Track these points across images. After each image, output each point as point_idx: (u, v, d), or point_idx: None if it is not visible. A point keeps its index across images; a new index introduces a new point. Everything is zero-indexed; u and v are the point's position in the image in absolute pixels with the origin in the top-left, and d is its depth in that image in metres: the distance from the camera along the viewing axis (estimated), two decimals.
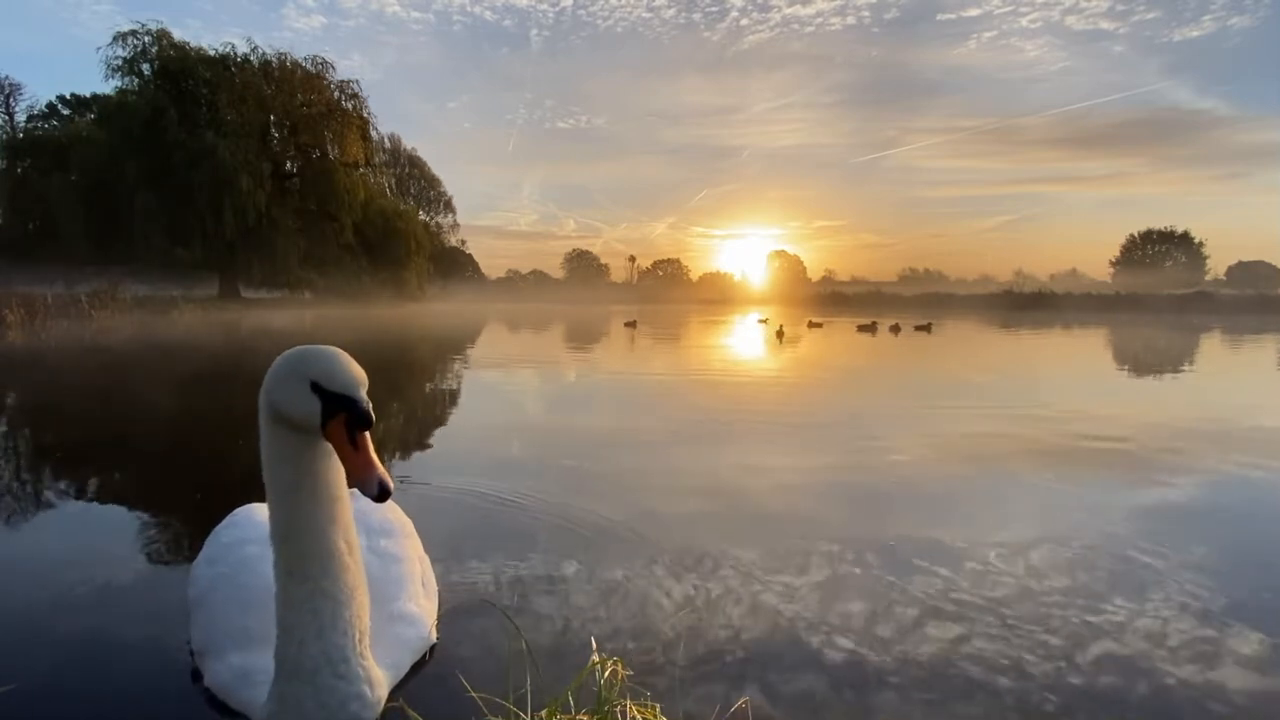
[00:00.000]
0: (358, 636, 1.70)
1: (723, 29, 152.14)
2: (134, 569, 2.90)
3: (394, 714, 1.76)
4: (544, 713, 1.64)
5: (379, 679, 1.76)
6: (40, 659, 2.14)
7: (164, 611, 2.35)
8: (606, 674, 1.71)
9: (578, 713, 1.63)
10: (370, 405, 1.57)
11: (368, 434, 1.56)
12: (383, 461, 1.57)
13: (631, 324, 26.43)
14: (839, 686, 2.02)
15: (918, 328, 24.83)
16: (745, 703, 1.85)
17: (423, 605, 2.17)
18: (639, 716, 1.65)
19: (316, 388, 1.56)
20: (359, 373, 1.60)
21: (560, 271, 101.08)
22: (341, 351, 1.63)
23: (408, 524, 2.44)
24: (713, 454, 5.20)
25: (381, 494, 1.50)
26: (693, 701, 1.91)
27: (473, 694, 1.72)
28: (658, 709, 1.68)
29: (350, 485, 1.60)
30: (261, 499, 2.45)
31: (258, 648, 1.78)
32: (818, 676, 2.07)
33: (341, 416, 1.55)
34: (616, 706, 1.66)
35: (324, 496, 1.66)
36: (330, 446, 1.63)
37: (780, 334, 20.16)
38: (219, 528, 2.26)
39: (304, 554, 1.64)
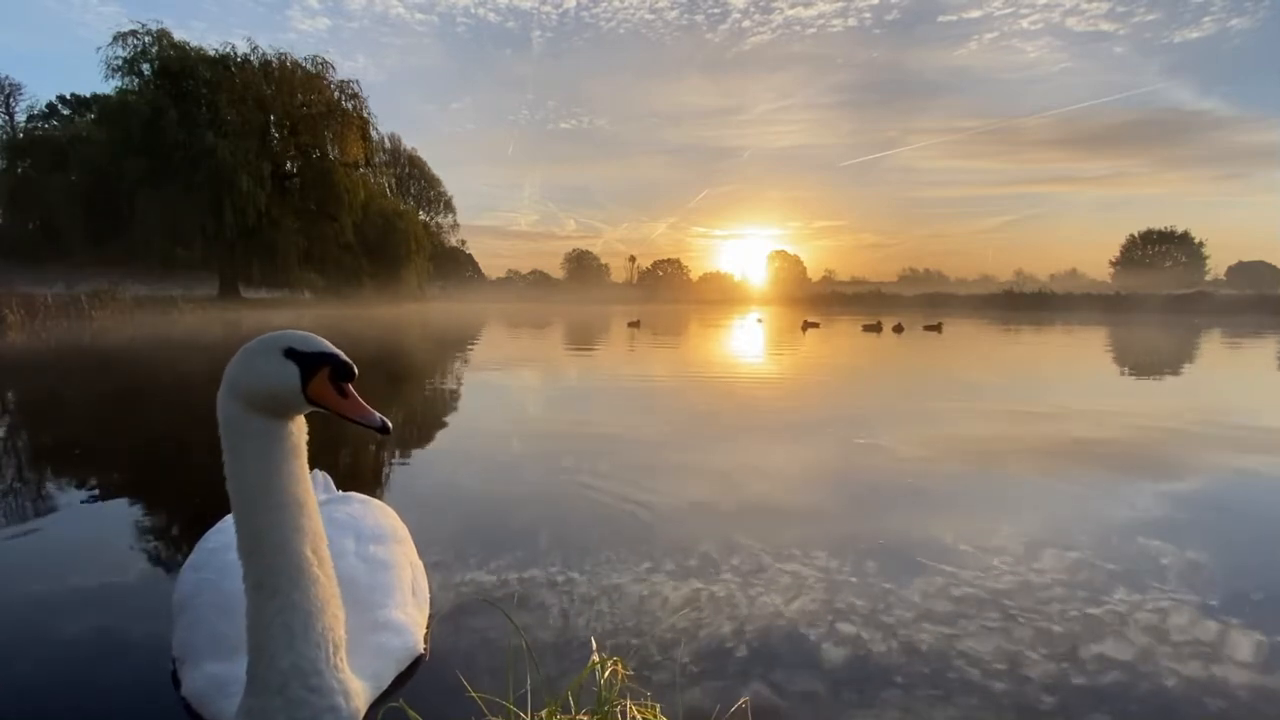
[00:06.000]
0: (331, 649, 1.65)
1: (724, 30, 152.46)
2: (131, 571, 2.90)
3: (394, 714, 1.76)
4: (544, 713, 1.64)
5: (356, 690, 1.71)
6: (28, 660, 2.14)
7: (156, 616, 2.33)
8: (607, 674, 1.71)
9: (578, 713, 1.63)
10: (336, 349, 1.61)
11: (351, 386, 1.62)
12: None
13: (634, 324, 26.43)
14: (840, 686, 2.02)
15: (927, 327, 24.77)
16: (745, 702, 1.85)
17: (411, 614, 2.12)
18: (639, 716, 1.64)
19: (291, 354, 1.59)
20: (324, 341, 1.65)
21: (560, 271, 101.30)
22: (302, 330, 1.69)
23: (401, 529, 2.40)
24: (716, 454, 5.19)
25: (384, 428, 1.61)
26: (693, 701, 1.91)
27: (473, 694, 1.72)
28: (658, 709, 1.68)
29: (356, 422, 1.63)
30: None
31: (235, 656, 1.73)
32: (818, 676, 2.07)
33: (325, 372, 1.59)
34: (617, 706, 1.65)
35: (289, 504, 1.62)
36: (293, 448, 1.65)
37: (805, 327, 25.19)
38: (208, 533, 2.23)
39: (272, 567, 1.60)
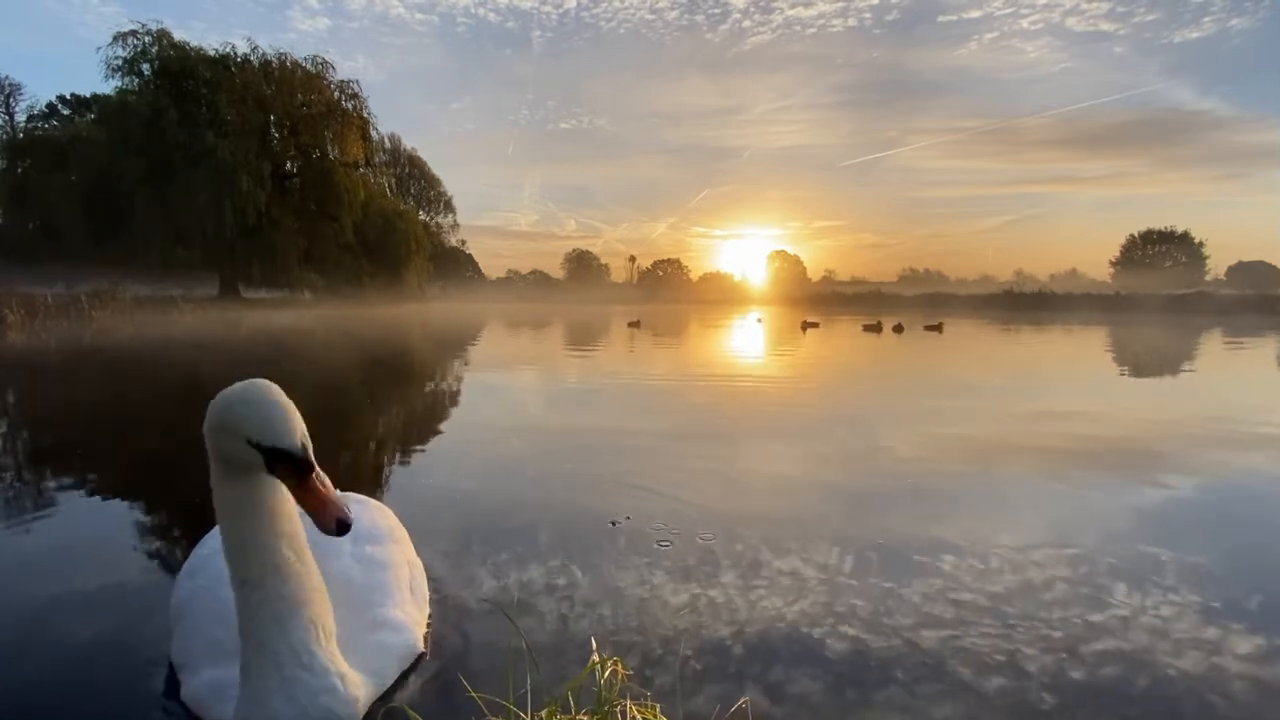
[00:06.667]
0: (322, 634, 1.71)
1: (725, 30, 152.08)
2: (130, 572, 2.90)
3: (394, 714, 1.76)
4: (544, 713, 1.64)
5: (354, 678, 1.75)
6: (28, 661, 2.14)
7: (155, 617, 2.33)
8: (606, 674, 1.71)
9: (578, 713, 1.63)
10: (308, 448, 1.61)
11: (315, 475, 1.61)
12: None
13: (634, 324, 26.43)
14: (840, 686, 2.02)
15: (928, 327, 24.70)
16: (745, 702, 1.85)
17: (410, 613, 2.12)
18: (639, 716, 1.64)
19: (252, 443, 1.60)
20: (289, 420, 1.61)
21: (560, 271, 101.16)
22: (269, 396, 1.63)
23: (399, 529, 2.40)
24: (716, 454, 5.19)
25: (340, 529, 1.56)
26: (693, 701, 1.91)
27: (473, 694, 1.72)
28: (658, 709, 1.68)
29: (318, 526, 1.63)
30: None
31: (232, 661, 1.75)
32: (819, 676, 2.07)
33: (287, 465, 1.61)
34: (616, 706, 1.65)
35: (269, 515, 1.69)
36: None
37: (804, 327, 25.23)
38: (204, 539, 2.23)
39: (258, 565, 1.66)
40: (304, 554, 1.75)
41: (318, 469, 1.62)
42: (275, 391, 1.66)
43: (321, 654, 1.69)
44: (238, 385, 1.68)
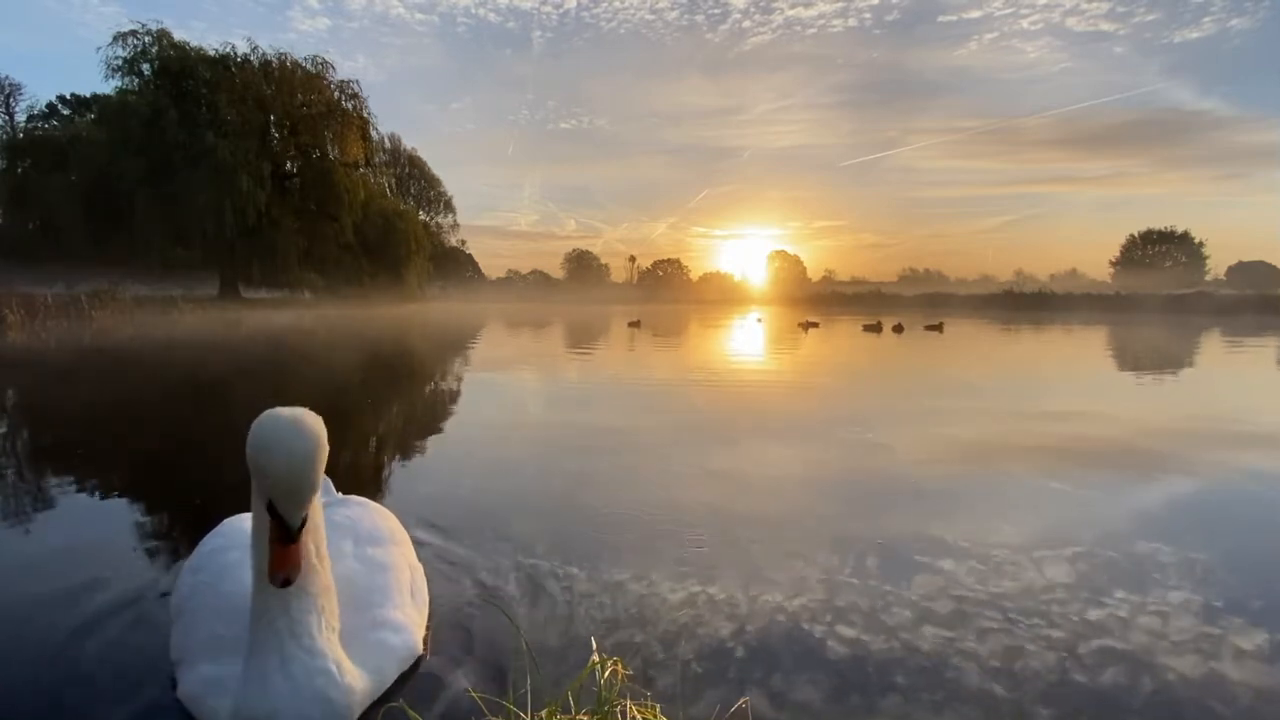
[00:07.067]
0: (325, 624, 1.76)
1: (725, 30, 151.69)
2: (131, 571, 2.89)
3: (394, 714, 1.76)
4: (544, 713, 1.64)
5: (351, 670, 1.78)
6: (28, 660, 2.14)
7: (155, 616, 2.34)
8: (606, 674, 1.71)
9: (578, 713, 1.63)
10: (302, 517, 1.65)
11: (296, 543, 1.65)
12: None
13: (635, 324, 26.44)
14: (840, 687, 2.02)
15: (928, 327, 24.70)
16: (745, 703, 1.85)
17: (409, 614, 2.12)
18: (639, 717, 1.65)
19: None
20: (298, 492, 1.63)
21: (560, 271, 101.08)
22: (293, 457, 1.62)
23: (399, 532, 2.40)
24: (716, 454, 5.19)
25: (281, 584, 1.63)
26: (693, 702, 1.91)
27: (473, 694, 1.72)
28: (658, 709, 1.68)
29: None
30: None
31: (231, 658, 1.77)
32: (819, 677, 2.07)
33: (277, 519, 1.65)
34: (616, 707, 1.65)
35: None
36: None
37: (805, 327, 25.42)
38: (206, 537, 2.24)
39: None
40: (322, 550, 1.79)
41: (302, 538, 1.65)
42: (303, 447, 1.63)
43: (322, 641, 1.73)
44: (281, 419, 1.66)
